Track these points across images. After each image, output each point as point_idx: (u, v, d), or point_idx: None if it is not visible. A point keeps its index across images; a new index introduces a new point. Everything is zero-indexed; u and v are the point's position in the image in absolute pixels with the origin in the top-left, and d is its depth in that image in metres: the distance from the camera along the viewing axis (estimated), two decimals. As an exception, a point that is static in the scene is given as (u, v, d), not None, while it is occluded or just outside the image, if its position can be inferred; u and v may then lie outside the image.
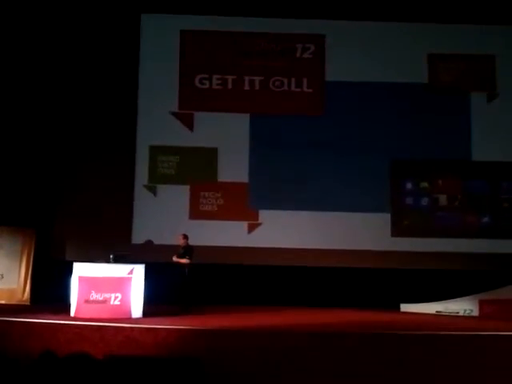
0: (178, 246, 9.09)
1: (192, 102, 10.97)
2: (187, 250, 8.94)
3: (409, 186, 10.82)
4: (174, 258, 8.89)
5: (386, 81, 10.96)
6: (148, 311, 7.95)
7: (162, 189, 10.73)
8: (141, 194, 10.67)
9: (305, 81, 11.06)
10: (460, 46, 11.06)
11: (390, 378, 5.96)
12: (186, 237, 9.11)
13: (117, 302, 7.72)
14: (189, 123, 10.90)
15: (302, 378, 5.91)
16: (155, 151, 10.81)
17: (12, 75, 10.48)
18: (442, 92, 10.98)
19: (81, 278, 7.82)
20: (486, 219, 10.69)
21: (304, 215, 10.51)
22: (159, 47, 11.04)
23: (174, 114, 10.91)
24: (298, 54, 11.11)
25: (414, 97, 10.94)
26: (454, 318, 9.03)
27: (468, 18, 11.00)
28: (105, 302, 7.69)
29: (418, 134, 10.82)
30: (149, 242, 10.43)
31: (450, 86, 11.02)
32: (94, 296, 7.69)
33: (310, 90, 11.04)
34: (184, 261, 8.82)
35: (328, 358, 6.33)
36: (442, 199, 10.79)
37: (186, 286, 8.70)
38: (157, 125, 10.82)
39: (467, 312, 9.19)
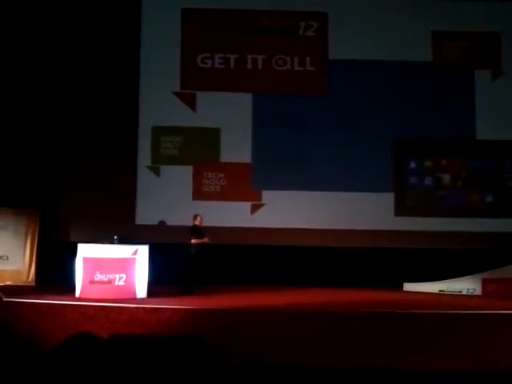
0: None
1: (194, 82, 10.89)
2: (201, 230, 8.87)
3: (412, 165, 10.78)
4: (197, 240, 8.72)
5: (390, 59, 10.84)
6: (153, 291, 8.00)
7: (165, 170, 10.71)
8: (144, 175, 10.66)
9: (308, 59, 10.95)
10: (464, 23, 10.90)
11: (392, 357, 5.99)
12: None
13: (121, 283, 7.77)
14: (191, 103, 10.83)
15: (303, 357, 5.95)
16: (158, 132, 10.76)
17: (13, 61, 10.39)
18: (446, 70, 10.87)
19: (85, 259, 7.87)
20: (489, 198, 10.66)
21: (307, 195, 10.50)
22: (160, 26, 10.90)
23: (176, 94, 10.84)
24: (300, 32, 10.97)
25: (418, 75, 10.82)
26: (456, 297, 9.04)
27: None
28: (109, 282, 7.73)
29: (421, 112, 10.73)
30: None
31: (454, 63, 10.90)
32: (99, 277, 7.73)
33: (313, 69, 10.94)
34: (206, 240, 8.74)
35: (330, 337, 6.38)
36: (446, 178, 10.76)
37: (192, 266, 8.64)
38: (159, 105, 10.75)
39: (470, 291, 9.21)
